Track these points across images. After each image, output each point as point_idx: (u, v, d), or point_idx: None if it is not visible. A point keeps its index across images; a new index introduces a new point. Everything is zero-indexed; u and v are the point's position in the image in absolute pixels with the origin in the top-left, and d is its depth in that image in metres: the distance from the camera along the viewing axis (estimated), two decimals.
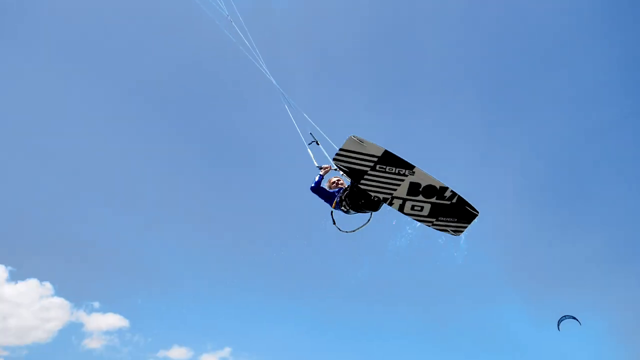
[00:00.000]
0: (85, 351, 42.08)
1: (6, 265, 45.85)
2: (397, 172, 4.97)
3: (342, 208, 5.44)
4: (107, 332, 44.74)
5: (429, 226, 5.41)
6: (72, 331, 42.83)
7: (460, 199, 5.21)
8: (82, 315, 44.12)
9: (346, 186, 5.49)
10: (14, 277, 50.12)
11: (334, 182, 5.71)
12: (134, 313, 44.47)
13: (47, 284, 46.95)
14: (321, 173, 5.72)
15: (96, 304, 44.67)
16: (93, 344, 42.47)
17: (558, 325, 13.95)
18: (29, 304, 45.85)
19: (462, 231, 5.48)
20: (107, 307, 45.68)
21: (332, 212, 5.56)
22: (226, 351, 41.28)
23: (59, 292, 45.91)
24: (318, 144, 6.43)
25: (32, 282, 47.60)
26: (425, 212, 5.32)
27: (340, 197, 5.42)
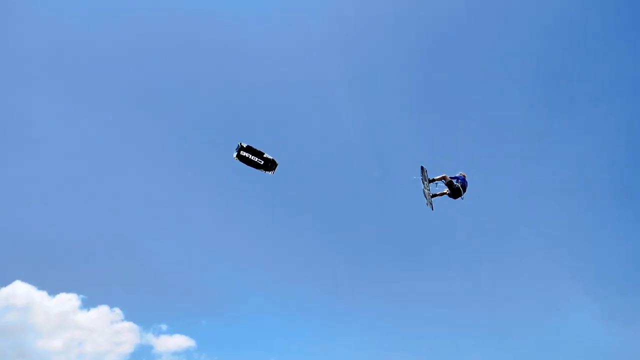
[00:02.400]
0: None
1: (78, 294, 44.57)
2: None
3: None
4: (176, 353, 41.82)
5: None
6: (143, 353, 40.98)
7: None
8: (151, 338, 41.24)
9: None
10: (86, 305, 49.06)
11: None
12: (199, 334, 42.63)
13: (117, 310, 44.85)
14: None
15: (164, 327, 41.70)
16: None
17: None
18: (101, 330, 44.59)
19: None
20: (174, 329, 43.17)
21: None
22: None
23: (128, 317, 44.54)
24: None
25: (103, 309, 45.37)
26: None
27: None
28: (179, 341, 47.07)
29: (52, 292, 47.90)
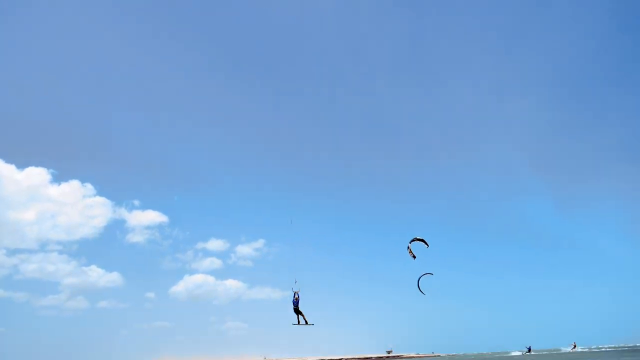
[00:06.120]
0: (130, 244, 52.48)
1: (47, 168, 47.91)
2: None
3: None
4: (148, 227, 53.79)
5: None
6: (116, 227, 51.51)
7: None
8: (123, 213, 52.54)
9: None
10: (57, 179, 54.21)
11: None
12: (171, 209, 50.83)
13: (89, 185, 48.45)
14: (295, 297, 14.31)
15: (136, 202, 53.78)
16: (136, 238, 53.19)
17: (419, 288, 15.31)
18: (73, 204, 50.46)
19: None
20: (146, 205, 54.71)
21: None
22: (260, 242, 55.53)
23: (100, 192, 50.51)
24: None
25: (74, 184, 49.99)
26: None
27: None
28: (152, 216, 53.65)
29: (20, 165, 49.36)
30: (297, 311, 13.08)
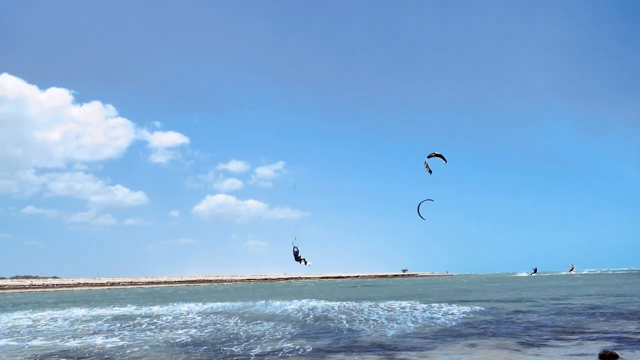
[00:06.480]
0: (153, 164, 63.22)
1: (69, 89, 56.90)
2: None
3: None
4: (170, 148, 64.88)
5: None
6: (139, 148, 62.78)
7: None
8: (145, 134, 63.81)
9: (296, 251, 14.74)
10: (79, 100, 61.65)
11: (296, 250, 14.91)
12: (192, 131, 58.28)
13: (110, 106, 62.25)
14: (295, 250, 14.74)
15: (157, 124, 65.92)
16: (159, 159, 63.31)
17: (419, 214, 15.19)
18: (96, 124, 57.31)
19: None
20: (167, 126, 66.68)
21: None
22: (280, 164, 67.02)
23: (121, 113, 58.02)
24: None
25: (96, 104, 61.95)
26: None
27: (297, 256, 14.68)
28: (173, 137, 64.99)
29: (43, 86, 55.71)
30: (298, 259, 14.86)
